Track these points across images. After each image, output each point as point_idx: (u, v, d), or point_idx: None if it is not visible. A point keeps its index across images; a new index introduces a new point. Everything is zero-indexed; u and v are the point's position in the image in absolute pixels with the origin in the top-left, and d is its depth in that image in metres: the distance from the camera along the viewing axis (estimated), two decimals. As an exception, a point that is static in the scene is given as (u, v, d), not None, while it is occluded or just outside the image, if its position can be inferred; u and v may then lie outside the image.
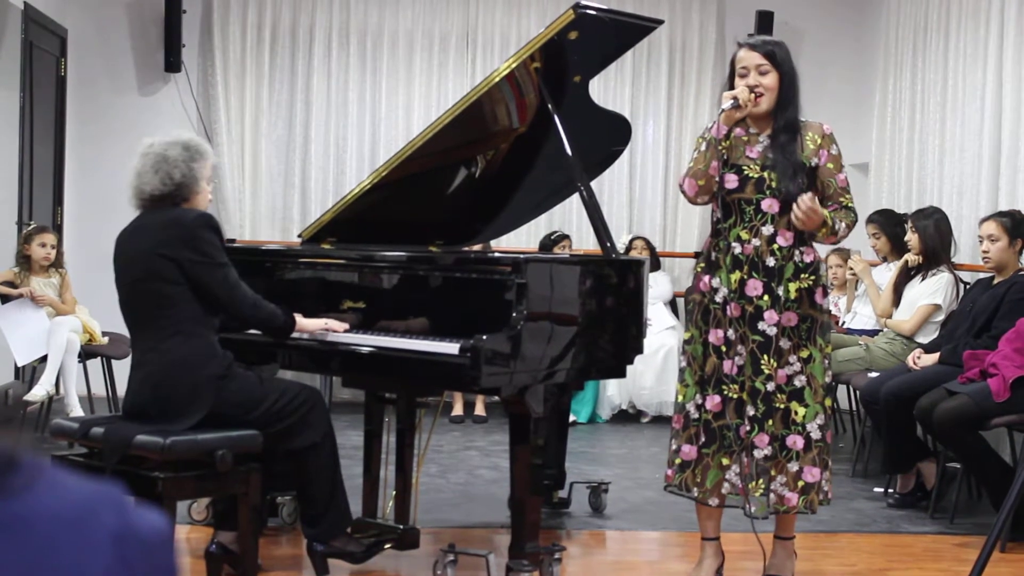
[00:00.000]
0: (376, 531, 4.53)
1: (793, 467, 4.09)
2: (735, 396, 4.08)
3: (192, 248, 3.86)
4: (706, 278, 4.15)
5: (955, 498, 5.51)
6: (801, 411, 4.08)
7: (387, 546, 4.45)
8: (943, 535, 5.23)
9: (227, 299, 3.95)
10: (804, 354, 4.09)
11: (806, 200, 3.93)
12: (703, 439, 4.13)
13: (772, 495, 4.09)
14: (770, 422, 4.07)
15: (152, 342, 3.91)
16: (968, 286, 6.27)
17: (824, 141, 4.11)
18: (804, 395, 4.08)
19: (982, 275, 6.10)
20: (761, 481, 4.09)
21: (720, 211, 4.12)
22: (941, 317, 6.25)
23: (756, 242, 4.06)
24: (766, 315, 4.06)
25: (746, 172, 4.07)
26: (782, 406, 4.07)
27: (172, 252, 3.86)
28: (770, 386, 4.06)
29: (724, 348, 4.09)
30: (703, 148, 4.05)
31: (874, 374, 6.12)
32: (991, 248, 5.65)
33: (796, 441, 4.08)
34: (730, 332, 4.09)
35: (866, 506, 5.72)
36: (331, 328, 4.24)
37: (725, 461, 4.12)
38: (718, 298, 4.11)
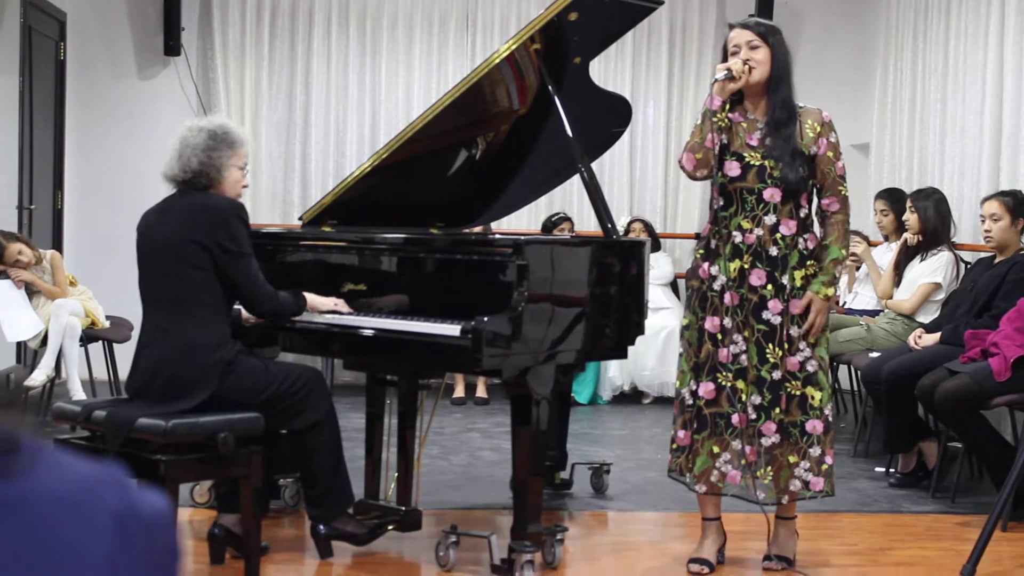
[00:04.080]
0: (378, 513, 4.54)
1: (815, 452, 4.11)
2: (728, 384, 4.09)
3: (222, 235, 3.91)
4: (705, 265, 4.15)
5: (956, 477, 5.51)
6: (818, 395, 4.10)
7: (389, 528, 4.47)
8: (944, 514, 5.23)
9: (247, 290, 4.00)
10: (812, 339, 4.10)
11: (810, 325, 4.07)
12: (695, 425, 4.15)
13: (797, 481, 4.10)
14: (777, 410, 4.08)
15: (165, 323, 3.93)
16: (969, 266, 6.27)
17: (824, 129, 4.10)
18: (819, 379, 4.10)
19: (983, 255, 6.10)
20: (769, 468, 4.10)
21: (721, 199, 4.12)
22: (941, 296, 6.25)
23: (759, 231, 4.06)
24: (770, 304, 4.07)
25: (747, 160, 4.07)
26: (797, 392, 4.08)
27: (203, 238, 3.90)
28: (776, 374, 4.07)
29: (720, 336, 4.10)
30: (699, 121, 4.06)
31: (875, 354, 6.12)
32: (993, 227, 5.64)
33: (816, 426, 4.10)
34: (727, 320, 4.09)
35: (867, 486, 5.73)
36: (339, 310, 4.26)
37: (716, 449, 4.13)
38: (716, 286, 4.11)
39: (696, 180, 4.19)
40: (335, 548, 4.28)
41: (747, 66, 4.03)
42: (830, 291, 4.09)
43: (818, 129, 4.10)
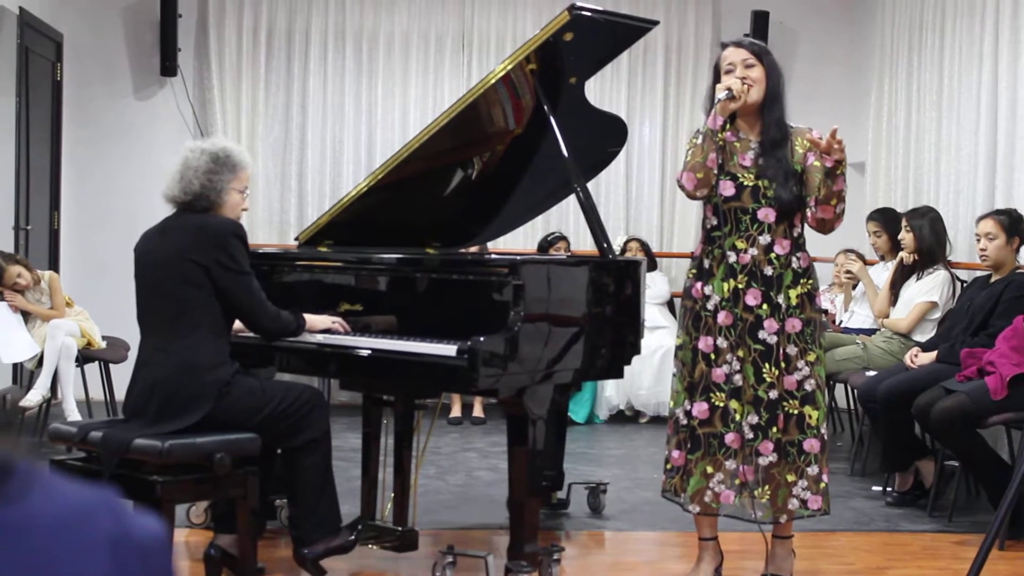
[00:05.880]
0: (374, 533, 4.53)
1: (813, 470, 4.10)
2: (722, 404, 4.08)
3: (220, 254, 3.92)
4: (698, 284, 4.15)
5: (953, 496, 5.51)
6: (815, 414, 4.10)
7: (386, 547, 4.46)
8: (941, 533, 5.23)
9: (248, 309, 4.01)
10: (811, 358, 4.10)
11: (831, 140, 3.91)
12: (689, 445, 4.14)
13: (795, 500, 4.09)
14: (774, 429, 4.07)
15: (163, 342, 3.94)
16: (965, 284, 6.28)
17: (812, 145, 4.11)
18: (816, 398, 4.10)
19: (979, 273, 6.10)
20: (767, 487, 4.09)
21: (715, 218, 4.12)
22: (938, 315, 6.26)
23: (753, 251, 4.06)
24: (766, 324, 4.06)
25: (741, 180, 4.07)
26: (795, 412, 4.08)
27: (201, 257, 3.91)
28: (773, 394, 4.06)
29: (714, 356, 4.10)
30: (699, 141, 4.05)
31: (872, 373, 6.12)
32: (989, 246, 5.65)
33: (813, 444, 4.09)
34: (720, 340, 4.09)
35: (864, 505, 5.72)
36: (335, 328, 4.27)
37: (709, 469, 4.12)
38: (710, 305, 4.11)
39: (695, 199, 4.19)
40: (328, 568, 4.26)
41: (745, 85, 4.04)
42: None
43: (807, 145, 4.11)
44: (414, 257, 4.52)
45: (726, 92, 4.00)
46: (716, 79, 4.13)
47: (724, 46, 4.18)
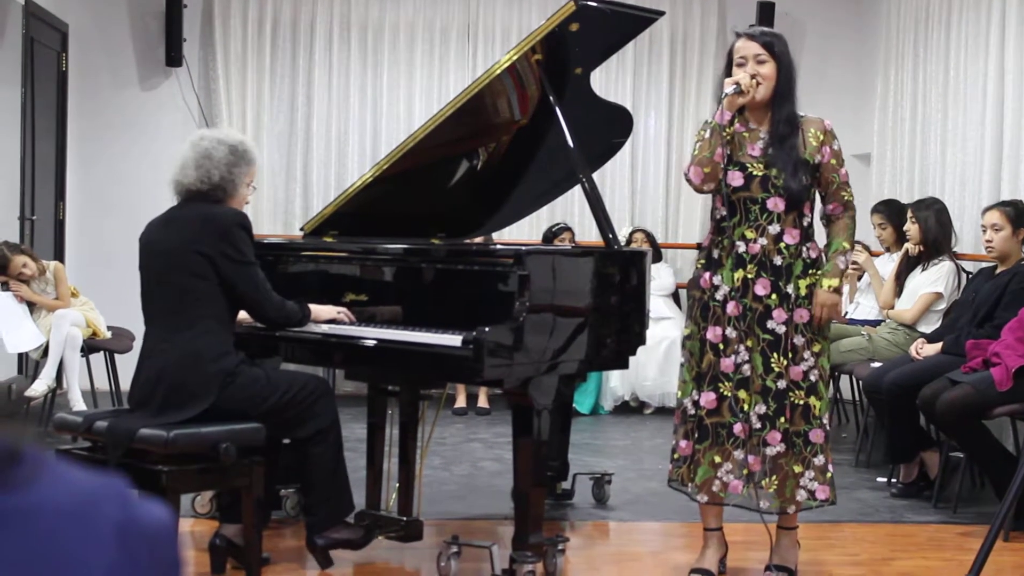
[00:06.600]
0: (380, 523, 4.53)
1: (819, 461, 4.10)
2: (730, 394, 4.08)
3: (225, 244, 3.92)
4: (707, 275, 4.14)
5: (958, 487, 5.51)
6: (818, 404, 4.10)
7: (391, 537, 4.46)
8: (946, 524, 5.23)
9: (252, 299, 4.01)
10: (817, 348, 4.10)
11: (821, 312, 4.07)
12: (697, 435, 4.14)
13: (802, 491, 4.10)
14: (782, 419, 4.07)
15: (167, 333, 3.94)
16: (970, 275, 6.27)
17: (826, 137, 4.10)
18: (819, 388, 4.10)
19: (984, 264, 6.10)
20: (774, 478, 4.09)
21: (725, 208, 4.11)
22: (943, 306, 6.25)
23: (763, 241, 4.06)
24: (774, 313, 4.06)
25: (750, 170, 4.06)
26: (801, 402, 4.08)
27: (206, 248, 3.91)
28: (781, 384, 4.06)
29: (722, 346, 4.09)
30: (707, 135, 4.04)
31: (877, 364, 6.12)
32: (994, 237, 5.65)
33: (818, 435, 4.10)
34: (729, 330, 4.09)
35: (869, 496, 5.72)
36: (340, 319, 4.27)
37: (717, 459, 4.12)
38: (719, 295, 4.11)
39: (702, 193, 4.19)
40: (335, 559, 4.27)
41: (754, 80, 4.02)
42: (833, 281, 4.06)
43: (821, 138, 4.10)
44: (419, 247, 4.52)
45: (733, 87, 3.99)
46: (729, 67, 4.12)
47: (738, 36, 4.16)
